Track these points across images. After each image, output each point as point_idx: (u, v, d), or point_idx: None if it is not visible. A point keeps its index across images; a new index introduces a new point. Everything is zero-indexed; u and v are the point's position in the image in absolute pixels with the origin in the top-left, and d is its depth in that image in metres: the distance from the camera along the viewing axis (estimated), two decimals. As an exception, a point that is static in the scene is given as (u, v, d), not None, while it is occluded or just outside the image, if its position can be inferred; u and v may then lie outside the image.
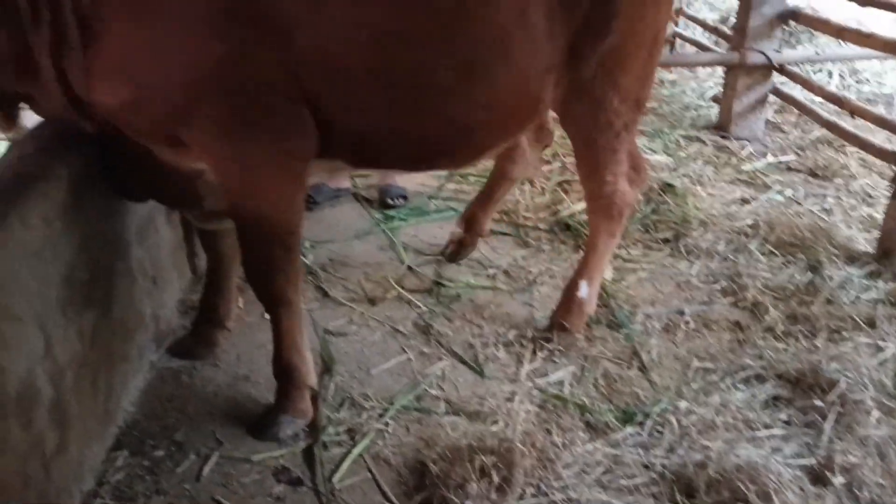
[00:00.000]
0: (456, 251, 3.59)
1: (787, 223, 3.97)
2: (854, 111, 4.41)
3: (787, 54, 5.24)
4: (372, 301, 3.28)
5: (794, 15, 5.01)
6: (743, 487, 2.15)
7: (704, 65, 6.02)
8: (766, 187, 4.54)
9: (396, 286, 3.37)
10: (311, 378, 2.56)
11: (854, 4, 4.38)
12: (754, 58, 5.07)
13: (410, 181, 4.27)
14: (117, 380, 2.47)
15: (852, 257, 3.70)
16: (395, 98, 2.24)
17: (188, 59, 2.01)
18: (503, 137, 2.65)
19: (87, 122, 2.17)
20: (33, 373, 1.89)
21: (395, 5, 2.15)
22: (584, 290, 3.01)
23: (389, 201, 4.08)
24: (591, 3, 2.42)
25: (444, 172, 4.40)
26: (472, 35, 2.24)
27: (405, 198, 4.13)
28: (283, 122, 2.14)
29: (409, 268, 3.55)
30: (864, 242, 3.86)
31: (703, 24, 6.61)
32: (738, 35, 5.18)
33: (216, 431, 2.50)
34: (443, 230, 3.86)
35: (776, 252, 3.75)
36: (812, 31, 6.19)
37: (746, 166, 4.84)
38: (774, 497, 2.10)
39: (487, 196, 3.55)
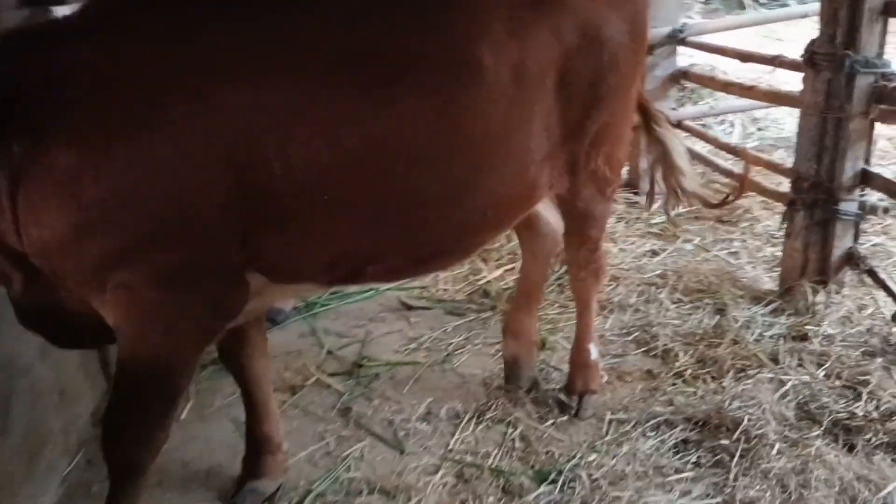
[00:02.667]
0: (516, 372, 3.21)
1: (694, 270, 4.15)
2: (748, 160, 4.64)
3: (684, 111, 5.52)
4: (292, 389, 3.29)
5: (685, 74, 5.32)
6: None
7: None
8: (676, 237, 4.72)
9: (316, 372, 3.39)
10: None
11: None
12: (652, 117, 5.32)
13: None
14: (22, 501, 2.43)
15: (757, 297, 3.86)
16: (383, 219, 2.18)
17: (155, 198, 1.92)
18: (498, 231, 2.64)
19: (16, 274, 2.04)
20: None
21: (383, 127, 2.08)
22: (594, 352, 3.09)
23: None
24: (586, 93, 2.44)
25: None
26: (468, 148, 2.20)
27: (274, 322, 3.72)
28: (222, 270, 2.04)
29: (329, 352, 3.58)
30: (770, 281, 4.03)
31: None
32: (636, 97, 5.45)
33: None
34: (363, 311, 3.92)
35: (684, 299, 3.89)
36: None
37: (656, 219, 5.03)
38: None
39: (526, 293, 3.25)
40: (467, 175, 2.23)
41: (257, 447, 2.65)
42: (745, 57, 4.52)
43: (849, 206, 3.60)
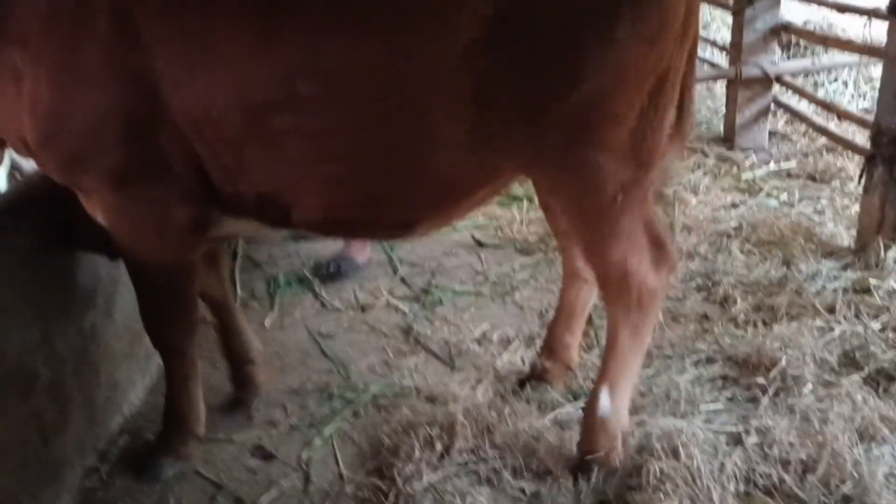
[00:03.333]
0: (541, 381, 2.90)
1: (771, 224, 4.12)
2: (840, 115, 4.53)
3: (783, 66, 5.38)
4: (362, 308, 3.60)
5: (786, 28, 5.18)
6: (658, 447, 2.34)
7: (700, 80, 6.20)
8: (761, 193, 4.68)
9: (386, 294, 3.68)
10: (199, 428, 2.64)
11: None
12: (750, 71, 5.24)
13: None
14: (122, 375, 2.84)
15: (831, 252, 3.81)
16: (286, 167, 2.19)
17: (84, 108, 2.14)
18: (435, 212, 2.36)
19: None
20: (28, 356, 2.27)
21: (276, 70, 2.06)
22: (605, 402, 2.41)
23: (324, 270, 3.88)
24: (525, 59, 2.03)
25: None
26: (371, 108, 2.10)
27: (340, 270, 3.86)
28: (160, 180, 2.20)
29: (402, 279, 3.85)
30: (848, 238, 3.97)
31: (713, 43, 6.80)
32: (735, 51, 5.37)
33: (209, 422, 2.82)
34: (439, 244, 4.16)
35: (754, 251, 3.90)
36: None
37: (746, 175, 4.98)
38: (681, 451, 2.28)
39: (566, 310, 2.90)
40: (372, 139, 2.13)
41: (231, 363, 2.91)
42: (843, 9, 4.37)
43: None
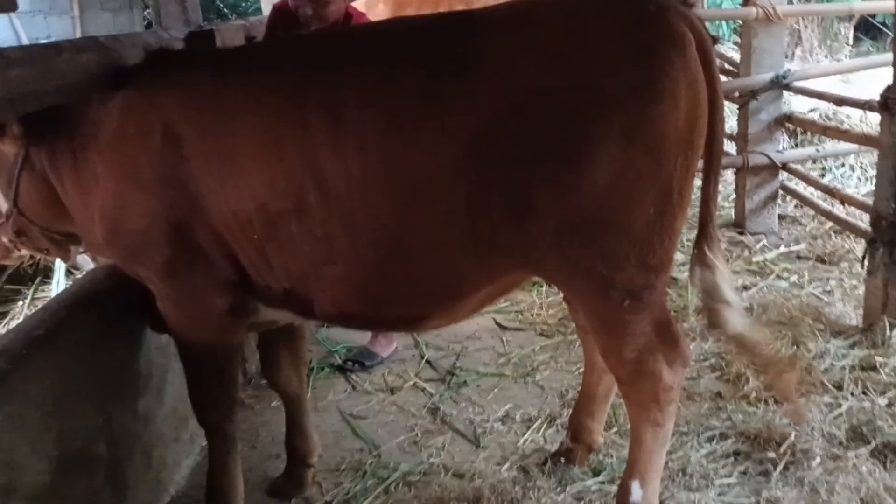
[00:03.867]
0: (566, 461, 3.05)
1: (781, 305, 4.30)
2: (843, 200, 4.76)
3: (788, 154, 5.65)
4: (391, 390, 3.80)
5: (789, 118, 5.48)
6: (673, 518, 2.49)
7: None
8: (771, 275, 4.87)
9: (413, 377, 3.89)
10: (238, 501, 2.83)
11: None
12: (757, 159, 5.52)
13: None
14: (169, 457, 3.05)
15: (839, 332, 3.97)
16: (301, 266, 2.40)
17: (139, 211, 2.45)
18: (426, 309, 2.50)
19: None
20: (92, 440, 2.49)
21: (286, 184, 2.30)
22: (636, 493, 2.50)
23: (348, 363, 4.06)
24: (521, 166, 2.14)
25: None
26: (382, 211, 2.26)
27: (363, 365, 4.04)
28: (201, 272, 2.48)
29: (427, 361, 4.06)
30: (856, 318, 4.13)
31: (722, 133, 7.13)
32: (741, 140, 5.67)
33: (247, 499, 3.01)
34: (463, 328, 4.38)
35: (765, 331, 4.06)
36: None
37: (757, 257, 5.19)
38: (694, 520, 2.43)
39: (587, 396, 3.03)
40: (380, 242, 2.29)
41: (289, 456, 3.10)
42: (840, 101, 4.67)
43: (927, 245, 3.69)
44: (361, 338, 4.20)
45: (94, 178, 2.50)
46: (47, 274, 3.84)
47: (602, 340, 2.43)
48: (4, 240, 2.77)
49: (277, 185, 2.30)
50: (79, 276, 3.66)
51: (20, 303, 3.66)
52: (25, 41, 8.73)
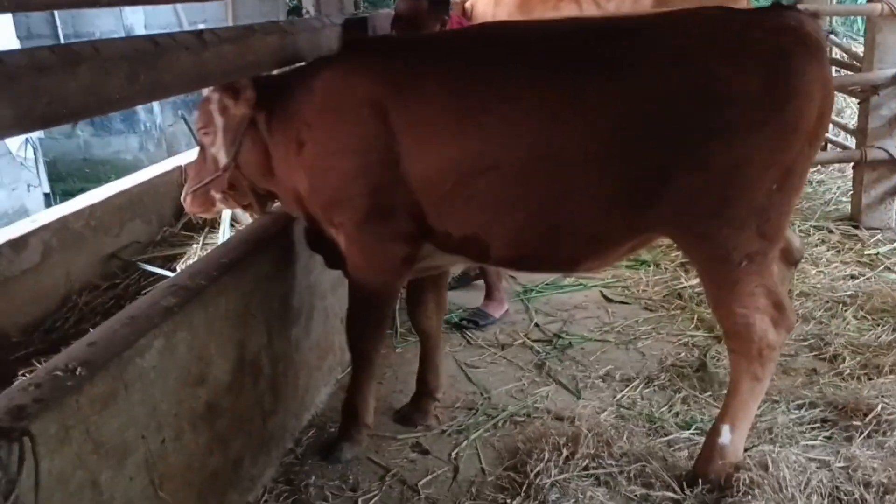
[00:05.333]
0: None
1: (887, 294, 4.40)
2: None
3: (908, 150, 5.63)
4: (502, 346, 4.20)
5: (911, 114, 5.47)
6: (751, 463, 2.77)
7: (826, 163, 6.49)
8: (886, 269, 4.94)
9: (523, 337, 4.27)
10: (369, 418, 3.29)
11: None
12: (876, 154, 5.54)
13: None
14: (312, 383, 3.57)
15: (944, 321, 4.07)
16: (485, 216, 2.86)
17: (345, 169, 2.92)
18: (583, 252, 2.93)
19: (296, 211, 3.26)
20: (259, 353, 3.02)
21: (475, 148, 2.77)
22: (725, 436, 2.81)
23: (464, 321, 4.45)
24: (665, 140, 2.58)
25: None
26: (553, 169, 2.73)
27: (476, 324, 4.42)
28: (390, 225, 2.94)
29: (536, 325, 4.44)
30: (967, 311, 4.20)
31: (843, 128, 7.08)
32: (861, 135, 5.70)
33: (374, 422, 3.48)
34: (570, 299, 4.73)
35: (868, 317, 4.20)
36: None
37: (870, 250, 5.25)
38: (771, 466, 2.70)
39: None
40: (550, 198, 2.76)
41: (418, 388, 3.54)
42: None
43: None
44: (476, 301, 4.62)
45: (299, 142, 2.98)
46: (213, 225, 4.46)
47: (716, 297, 2.78)
48: (216, 193, 3.28)
49: (471, 149, 2.77)
50: (239, 227, 4.26)
51: (193, 246, 4.28)
52: (186, 25, 9.65)
